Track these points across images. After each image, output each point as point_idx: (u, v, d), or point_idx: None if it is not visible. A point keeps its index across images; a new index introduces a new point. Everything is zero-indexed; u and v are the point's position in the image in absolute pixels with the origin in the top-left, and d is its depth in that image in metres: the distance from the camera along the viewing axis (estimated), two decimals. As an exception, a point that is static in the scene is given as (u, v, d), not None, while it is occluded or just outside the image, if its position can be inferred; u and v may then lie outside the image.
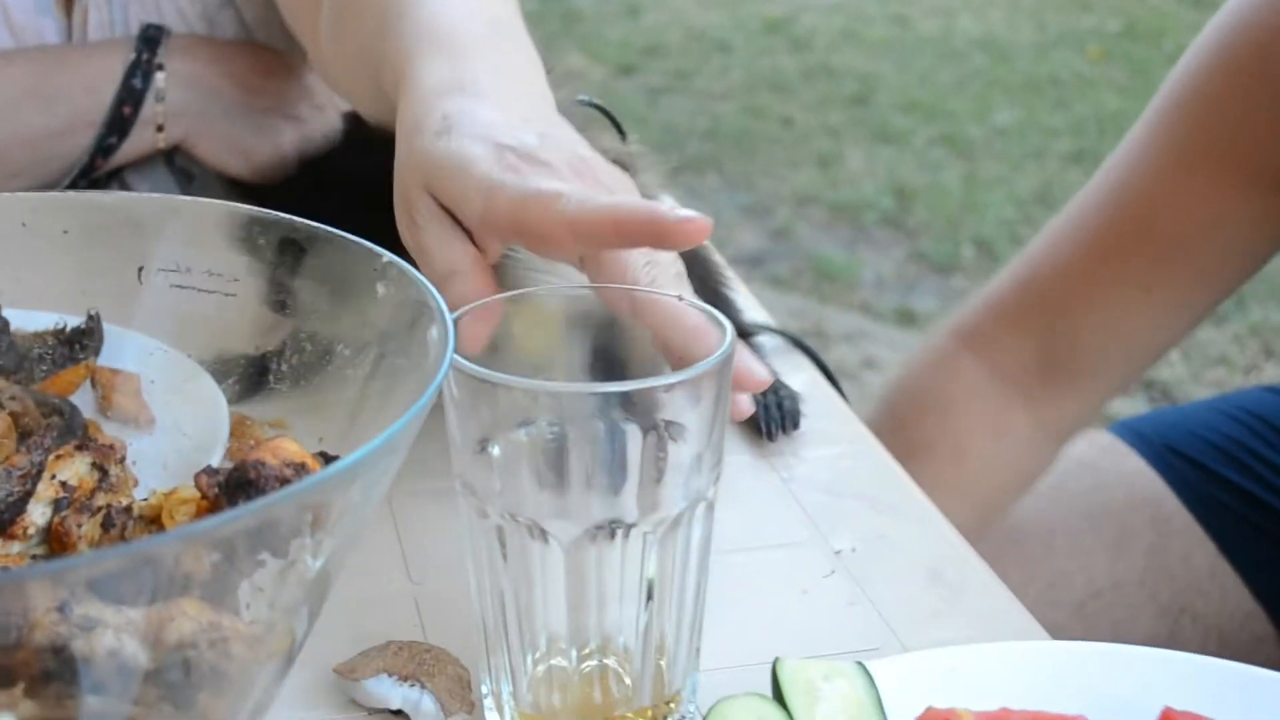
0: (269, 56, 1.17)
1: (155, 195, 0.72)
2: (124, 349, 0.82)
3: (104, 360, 0.82)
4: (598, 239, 0.66)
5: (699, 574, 0.64)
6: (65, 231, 0.73)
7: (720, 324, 0.63)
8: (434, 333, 0.60)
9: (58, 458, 0.65)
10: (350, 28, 0.87)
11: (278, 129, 1.15)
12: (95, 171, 1.13)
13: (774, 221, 4.07)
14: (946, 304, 3.62)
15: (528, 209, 0.66)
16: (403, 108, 0.72)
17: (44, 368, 0.83)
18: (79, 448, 0.66)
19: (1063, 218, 1.19)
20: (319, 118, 1.17)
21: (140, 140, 1.12)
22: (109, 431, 0.79)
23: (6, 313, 0.83)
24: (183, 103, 1.12)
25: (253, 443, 0.71)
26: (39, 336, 0.87)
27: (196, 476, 0.58)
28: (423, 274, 0.64)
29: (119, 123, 1.11)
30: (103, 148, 1.11)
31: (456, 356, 0.59)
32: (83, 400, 0.80)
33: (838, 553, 0.79)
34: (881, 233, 4.05)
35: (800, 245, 3.94)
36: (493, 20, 0.80)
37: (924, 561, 0.79)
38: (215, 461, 0.74)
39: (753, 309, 1.08)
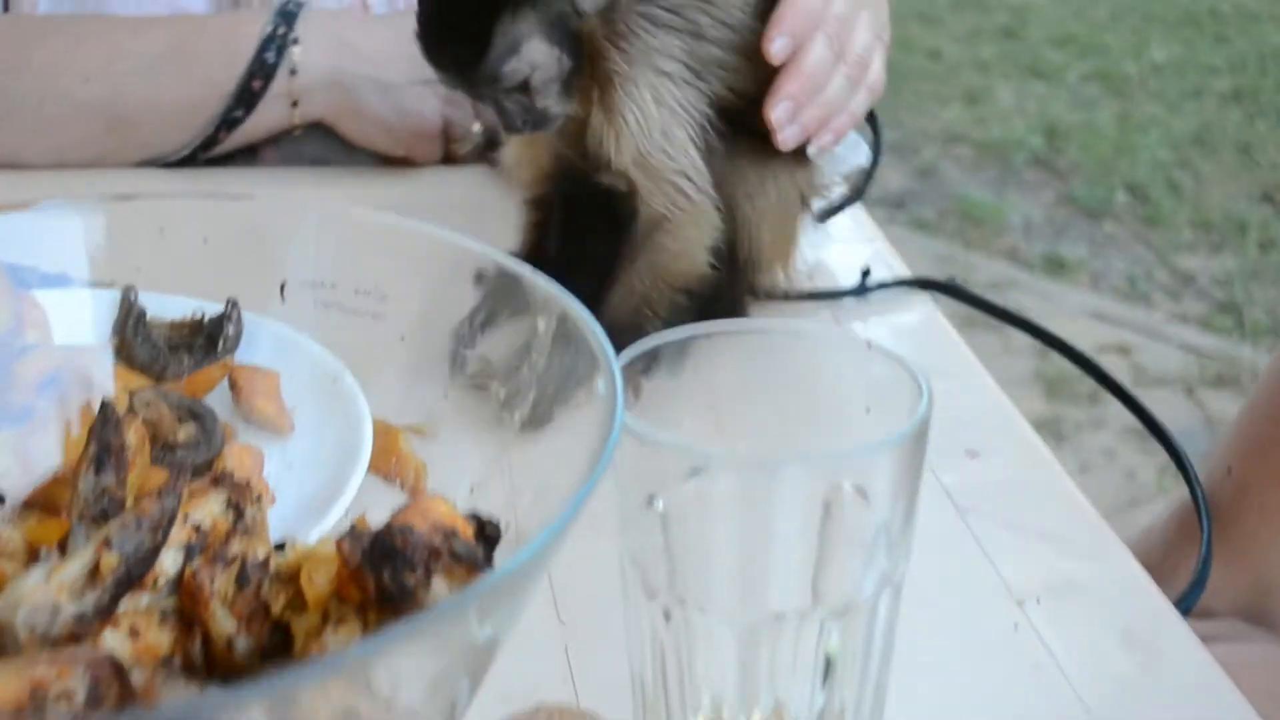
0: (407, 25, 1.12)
1: (301, 202, 0.67)
2: (259, 340, 0.78)
3: (241, 353, 0.78)
4: None
5: (883, 655, 0.58)
6: (205, 240, 0.68)
7: (917, 381, 0.57)
8: (600, 385, 0.55)
9: (190, 494, 0.61)
10: None
11: (422, 98, 1.10)
12: (218, 145, 1.09)
13: (919, 160, 3.96)
14: (1098, 252, 3.50)
15: None
16: None
17: (182, 362, 0.80)
18: (215, 481, 0.62)
19: None
20: None
21: (271, 115, 1.08)
22: (245, 437, 0.75)
23: (142, 298, 0.80)
24: (321, 78, 1.07)
25: (401, 485, 0.67)
26: (176, 327, 0.83)
27: (338, 543, 0.53)
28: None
29: (247, 96, 1.06)
30: (228, 120, 1.07)
31: (628, 418, 0.53)
32: (219, 400, 0.76)
33: (1020, 604, 0.73)
34: (1031, 174, 3.92)
35: (945, 186, 3.82)
36: None
37: (1116, 619, 0.72)
38: (358, 480, 0.70)
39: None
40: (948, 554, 0.77)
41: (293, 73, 1.07)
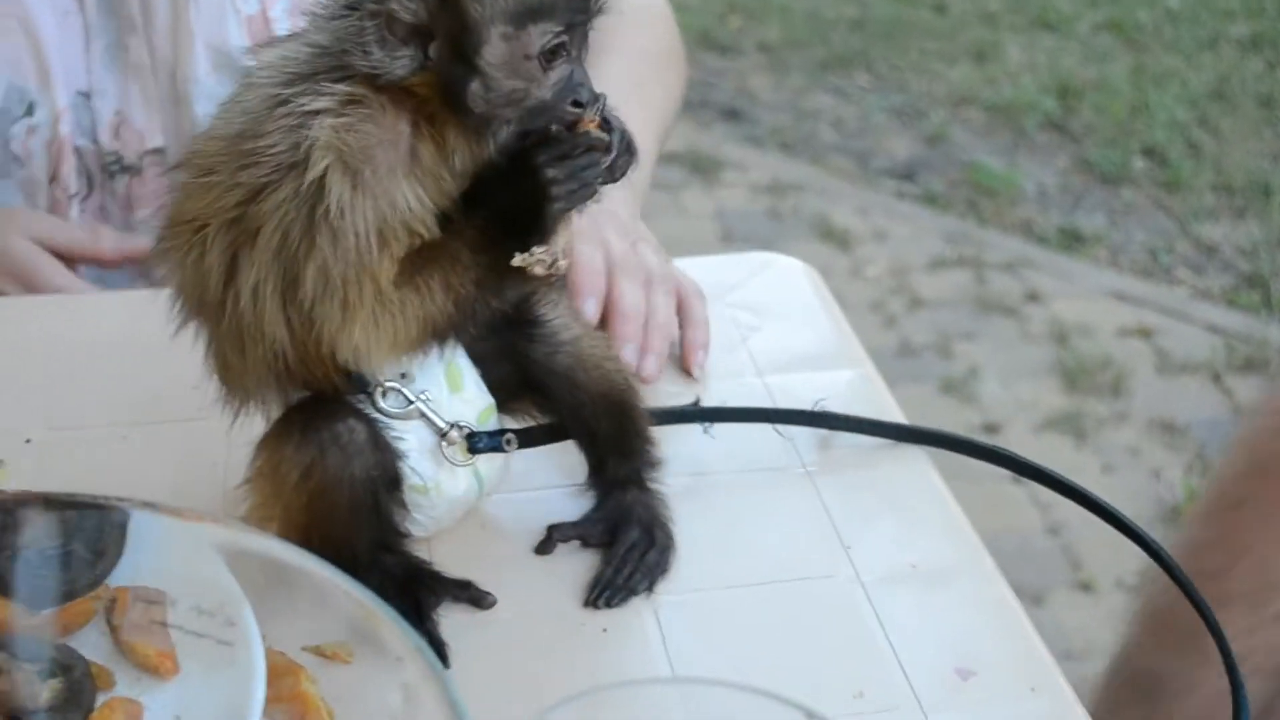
0: None
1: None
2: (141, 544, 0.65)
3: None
4: None
5: None
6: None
7: None
8: None
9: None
10: None
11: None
12: None
13: (927, 126, 3.80)
14: (1116, 222, 3.36)
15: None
16: None
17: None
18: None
19: None
20: None
21: None
22: (124, 684, 0.63)
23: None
24: None
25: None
26: None
27: None
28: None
29: None
30: None
31: None
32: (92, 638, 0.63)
33: None
34: (1043, 137, 3.76)
35: (955, 153, 3.67)
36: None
37: None
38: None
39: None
40: None
41: None
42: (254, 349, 0.68)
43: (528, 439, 0.78)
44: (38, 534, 0.66)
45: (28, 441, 0.84)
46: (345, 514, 0.71)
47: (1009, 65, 4.18)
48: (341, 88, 0.66)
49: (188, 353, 0.71)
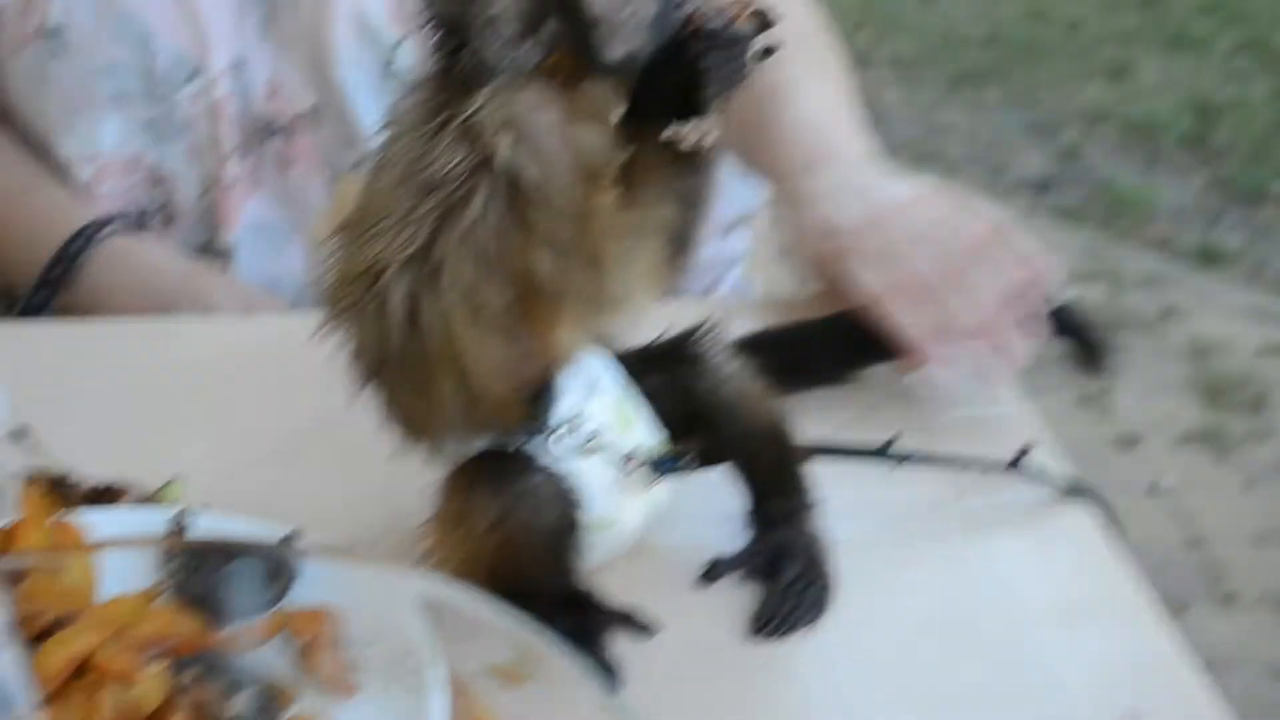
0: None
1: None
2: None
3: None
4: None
5: None
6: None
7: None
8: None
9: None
10: None
11: None
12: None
13: (1061, 142, 3.76)
14: (1255, 240, 3.30)
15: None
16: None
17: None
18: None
19: None
20: None
21: None
22: (305, 701, 0.63)
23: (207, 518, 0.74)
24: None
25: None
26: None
27: None
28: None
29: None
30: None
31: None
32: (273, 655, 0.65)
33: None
34: (1180, 155, 3.71)
35: (1089, 169, 3.63)
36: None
37: None
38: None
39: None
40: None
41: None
42: (441, 388, 0.70)
43: (707, 458, 0.79)
44: (223, 554, 0.67)
45: (196, 461, 0.85)
46: (530, 560, 0.73)
47: (1144, 83, 4.12)
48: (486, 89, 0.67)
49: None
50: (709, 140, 0.71)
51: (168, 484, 0.84)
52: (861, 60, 4.24)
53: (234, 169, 1.15)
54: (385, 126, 0.71)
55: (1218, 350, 2.83)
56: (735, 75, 0.69)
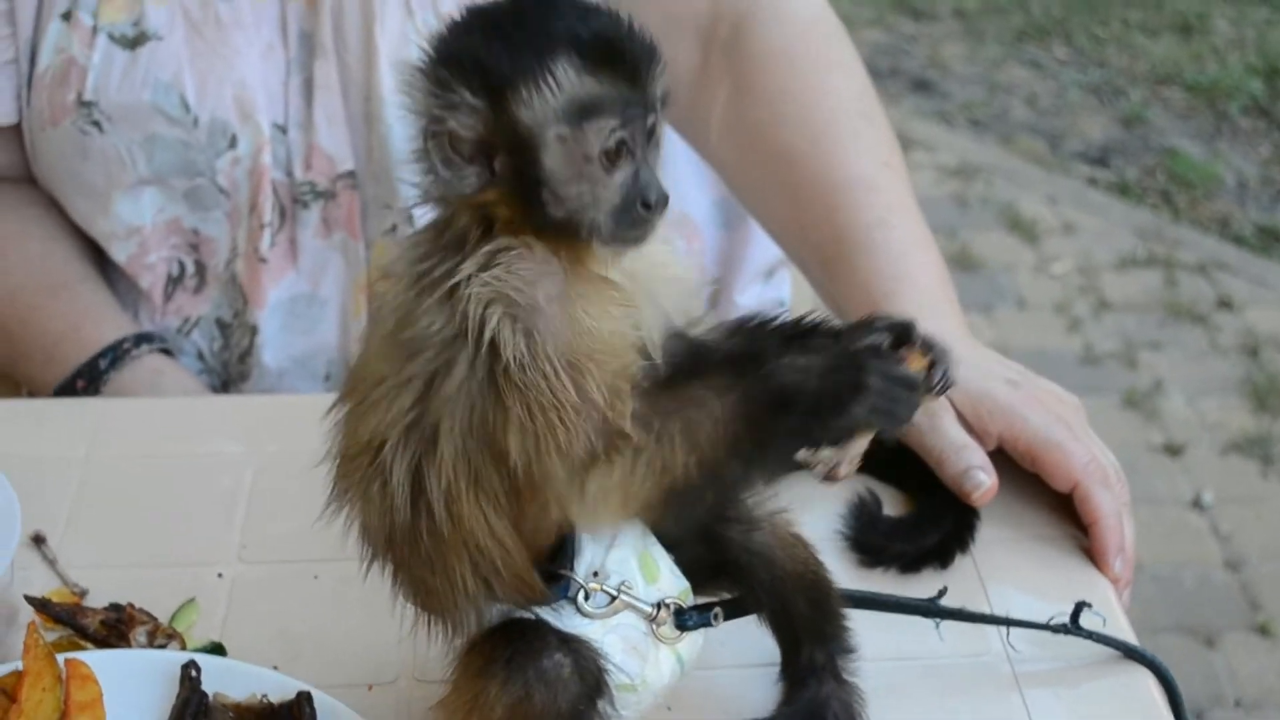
0: None
1: None
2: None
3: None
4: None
5: None
6: None
7: None
8: None
9: None
10: (777, 176, 1.15)
11: None
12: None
13: (1125, 106, 3.68)
14: (1318, 220, 3.23)
15: (1047, 451, 0.92)
16: None
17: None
18: None
19: None
20: None
21: None
22: None
23: (215, 664, 0.75)
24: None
25: None
26: (242, 712, 0.75)
27: None
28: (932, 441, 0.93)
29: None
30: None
31: None
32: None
33: None
34: (1247, 122, 3.62)
35: (1152, 136, 3.55)
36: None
37: None
38: None
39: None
40: None
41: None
42: (454, 564, 0.67)
43: (733, 611, 0.77)
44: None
45: (219, 575, 0.86)
46: None
47: (1216, 40, 4.02)
48: (485, 247, 0.65)
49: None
50: (842, 474, 0.68)
51: (184, 606, 0.84)
52: (924, 13, 4.16)
53: (268, 240, 1.14)
54: (383, 275, 0.69)
55: (1272, 346, 2.78)
56: (889, 416, 0.65)
